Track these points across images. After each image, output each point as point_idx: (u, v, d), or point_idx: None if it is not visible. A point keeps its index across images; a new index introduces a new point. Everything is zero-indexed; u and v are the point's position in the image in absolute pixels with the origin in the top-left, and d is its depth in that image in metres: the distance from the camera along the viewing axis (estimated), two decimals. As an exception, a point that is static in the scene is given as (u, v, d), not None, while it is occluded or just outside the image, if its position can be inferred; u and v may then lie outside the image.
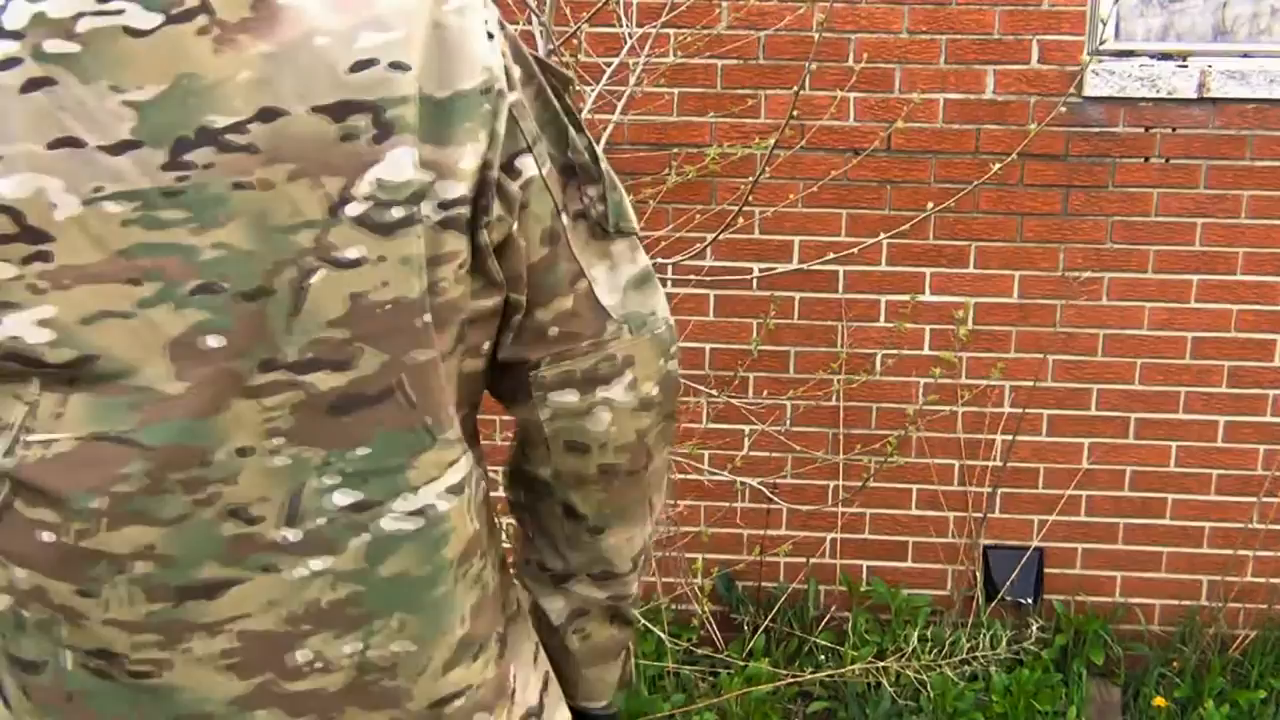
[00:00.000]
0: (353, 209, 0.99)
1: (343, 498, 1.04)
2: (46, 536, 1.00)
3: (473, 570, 1.14)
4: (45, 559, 1.01)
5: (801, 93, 2.90)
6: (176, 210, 0.96)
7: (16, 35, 0.94)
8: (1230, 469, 3.56)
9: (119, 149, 0.95)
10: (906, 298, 3.49)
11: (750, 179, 3.03)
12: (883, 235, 3.23)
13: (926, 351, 3.54)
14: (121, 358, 0.97)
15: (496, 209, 1.06)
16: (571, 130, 1.14)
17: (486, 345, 1.13)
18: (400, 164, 1.00)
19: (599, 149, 1.17)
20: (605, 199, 1.15)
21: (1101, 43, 3.14)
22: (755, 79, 3.43)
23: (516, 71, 1.10)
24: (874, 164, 3.44)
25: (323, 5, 0.99)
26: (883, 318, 3.54)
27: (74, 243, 0.95)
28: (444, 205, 1.02)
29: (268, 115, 0.96)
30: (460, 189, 1.03)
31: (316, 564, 1.05)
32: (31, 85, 0.94)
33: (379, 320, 1.01)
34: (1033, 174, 3.45)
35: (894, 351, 3.54)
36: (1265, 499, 3.56)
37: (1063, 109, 3.35)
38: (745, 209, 3.07)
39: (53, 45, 0.94)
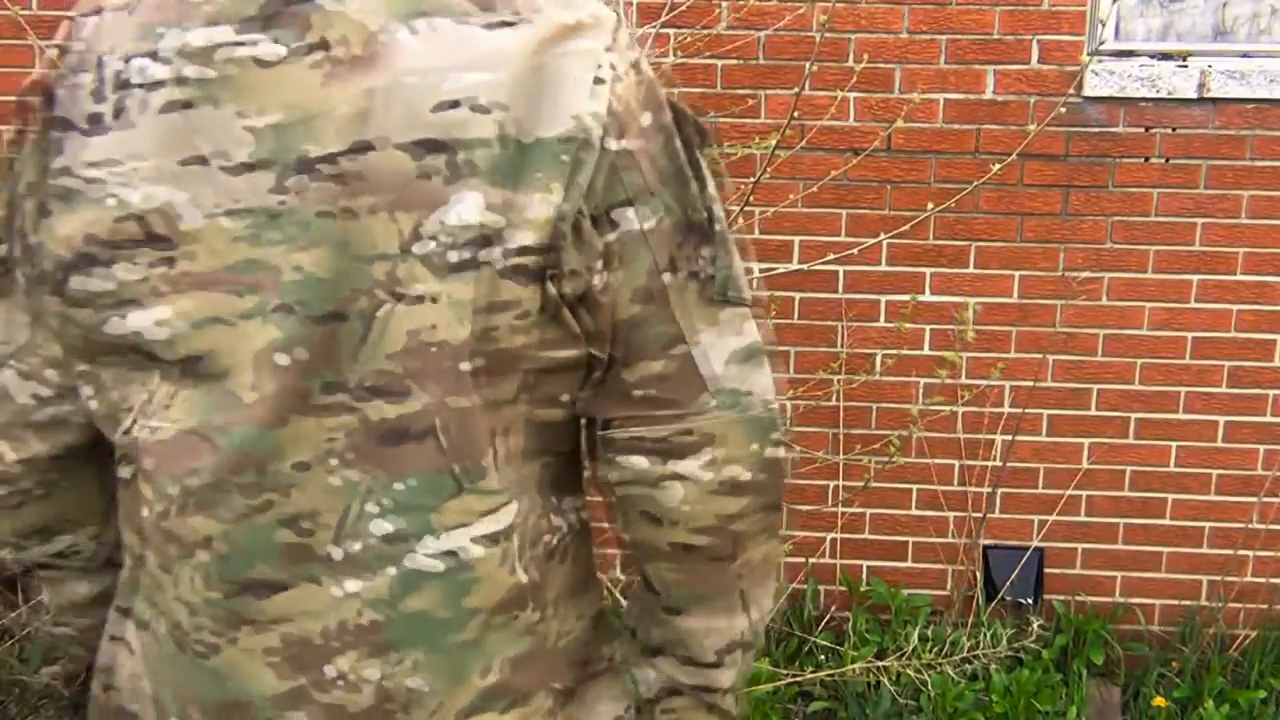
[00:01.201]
0: (420, 247, 1.01)
1: (381, 527, 1.07)
2: (145, 511, 1.10)
3: (520, 621, 1.13)
4: (145, 532, 1.11)
5: (801, 93, 2.90)
6: (275, 231, 1.02)
7: (166, 61, 1.04)
8: (1230, 469, 3.56)
9: (238, 170, 1.02)
10: (906, 298, 3.49)
11: (750, 179, 3.03)
12: (883, 235, 3.23)
13: (926, 351, 3.54)
14: (221, 362, 1.04)
15: (572, 261, 1.04)
16: (695, 186, 1.09)
17: (566, 396, 1.10)
18: (465, 207, 1.01)
19: (720, 210, 1.11)
20: (715, 262, 1.10)
21: (1101, 43, 3.14)
22: (755, 79, 3.43)
23: (642, 119, 1.07)
24: (874, 164, 3.44)
25: (426, 45, 1.02)
26: (883, 318, 3.54)
27: (192, 252, 1.03)
28: (510, 253, 1.02)
29: (359, 148, 1.01)
30: (528, 238, 1.02)
31: (351, 585, 1.08)
32: (170, 107, 1.03)
33: (428, 360, 1.03)
34: (1033, 174, 3.45)
35: (894, 351, 3.54)
36: (1265, 499, 3.56)
37: (1063, 109, 3.35)
38: (745, 209, 3.07)
39: (193, 71, 1.03)
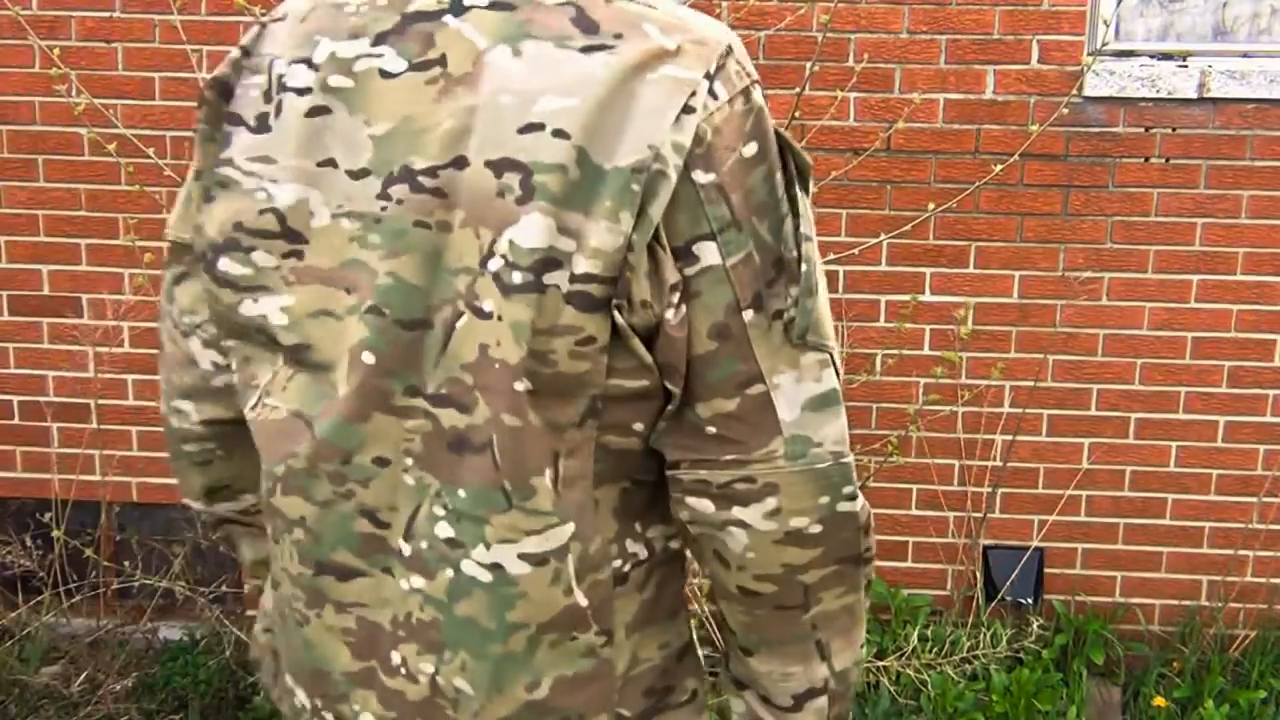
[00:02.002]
0: (493, 264, 1.03)
1: (444, 529, 1.11)
2: (264, 484, 1.20)
3: (579, 643, 1.13)
4: (263, 505, 1.21)
5: (802, 93, 2.90)
6: (376, 235, 1.08)
7: (315, 68, 1.11)
8: (1230, 469, 3.56)
9: (358, 175, 1.09)
10: (906, 298, 3.49)
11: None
12: (883, 235, 3.23)
13: (926, 351, 3.54)
14: (324, 353, 1.12)
15: (642, 293, 1.04)
16: (790, 223, 1.07)
17: (640, 426, 1.10)
18: (532, 230, 1.02)
19: (812, 251, 1.09)
20: (800, 303, 1.07)
21: (1102, 43, 3.14)
22: (755, 79, 3.43)
23: (743, 149, 1.05)
24: (874, 164, 3.44)
25: (525, 67, 1.04)
26: (883, 318, 3.54)
27: (318, 247, 1.10)
28: (576, 279, 1.02)
29: (458, 163, 1.04)
30: (594, 266, 1.02)
31: (416, 581, 1.13)
32: (314, 111, 1.10)
33: (491, 376, 1.06)
34: (1033, 174, 3.45)
35: (894, 351, 3.54)
36: (1265, 499, 3.56)
37: (1063, 109, 3.35)
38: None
39: (335, 80, 1.10)
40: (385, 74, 1.08)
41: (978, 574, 3.62)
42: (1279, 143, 3.40)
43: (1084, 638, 3.51)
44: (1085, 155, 3.44)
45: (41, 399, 3.73)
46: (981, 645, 3.33)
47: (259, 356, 1.16)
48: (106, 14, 3.53)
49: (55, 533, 3.47)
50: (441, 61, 1.07)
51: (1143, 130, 3.41)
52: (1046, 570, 3.64)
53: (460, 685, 1.14)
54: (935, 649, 3.33)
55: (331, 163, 1.09)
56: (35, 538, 3.60)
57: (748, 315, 1.06)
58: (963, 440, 3.58)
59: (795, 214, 1.08)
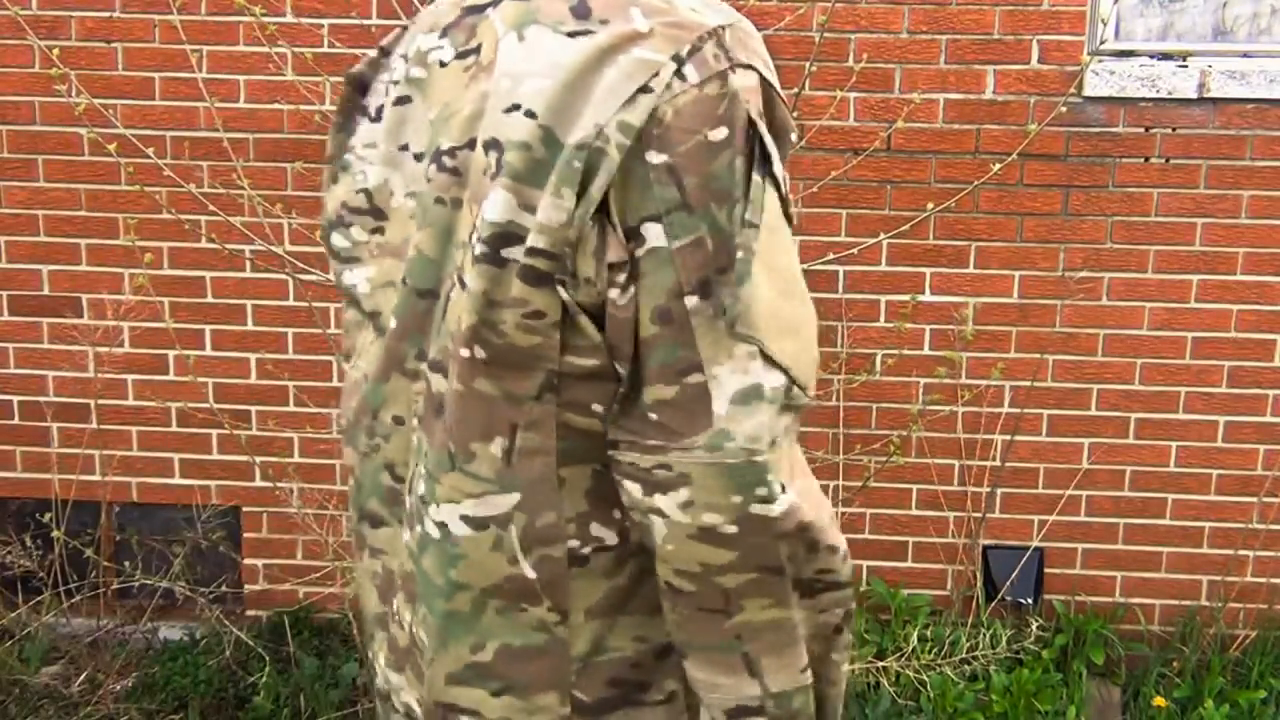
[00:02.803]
0: (474, 237, 1.09)
1: (419, 486, 1.18)
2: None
3: (528, 615, 1.13)
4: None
5: (801, 93, 2.90)
6: (420, 213, 1.16)
7: (405, 59, 1.22)
8: (1230, 469, 3.56)
9: (418, 158, 1.18)
10: (906, 298, 3.49)
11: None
12: (883, 235, 3.23)
13: (926, 351, 3.54)
14: (385, 320, 1.21)
15: (585, 270, 1.04)
16: (740, 209, 1.04)
17: (599, 407, 1.09)
18: (496, 204, 1.06)
19: (754, 239, 1.05)
20: (730, 292, 1.04)
21: (1101, 43, 3.14)
22: (755, 79, 3.42)
23: (706, 132, 1.03)
24: (874, 164, 3.44)
25: (523, 51, 1.09)
26: (883, 318, 3.54)
27: (393, 225, 1.21)
28: (527, 253, 1.05)
29: (470, 144, 1.11)
30: (541, 240, 1.04)
31: (406, 534, 1.21)
32: (400, 100, 1.21)
33: (455, 342, 1.11)
34: (1033, 174, 3.45)
35: (894, 351, 3.54)
36: (1265, 499, 3.56)
37: (1063, 109, 3.35)
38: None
39: (415, 71, 1.20)
40: (441, 64, 1.17)
41: (978, 574, 3.62)
42: (1279, 143, 3.39)
43: (1084, 638, 3.51)
44: (1085, 155, 3.43)
45: (41, 399, 3.73)
46: (981, 645, 3.33)
47: (357, 322, 1.28)
48: (106, 14, 3.53)
49: (55, 533, 3.47)
50: (476, 50, 1.14)
51: (1143, 130, 3.41)
52: (1046, 570, 3.64)
53: (422, 636, 1.19)
54: (935, 649, 3.33)
55: (404, 148, 1.19)
56: (35, 538, 3.60)
57: (690, 301, 1.04)
58: (963, 440, 3.58)
59: (746, 198, 1.05)
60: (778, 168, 1.07)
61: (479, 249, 1.06)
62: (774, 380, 1.05)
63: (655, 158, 1.03)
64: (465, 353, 1.09)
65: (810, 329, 1.09)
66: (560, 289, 1.05)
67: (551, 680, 1.15)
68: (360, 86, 1.27)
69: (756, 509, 1.05)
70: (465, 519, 1.13)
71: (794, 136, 1.12)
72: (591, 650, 1.15)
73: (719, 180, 1.04)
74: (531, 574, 1.12)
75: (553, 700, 1.15)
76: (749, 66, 1.07)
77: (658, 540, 1.08)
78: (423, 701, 1.21)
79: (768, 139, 1.06)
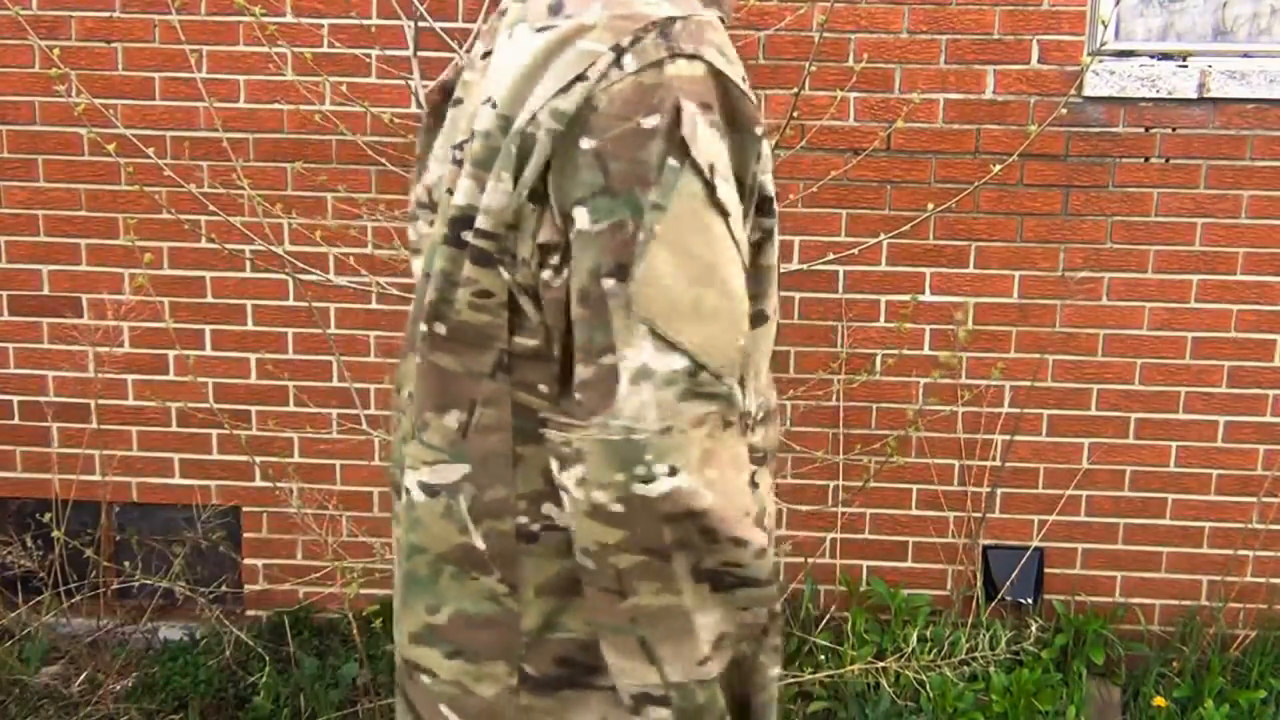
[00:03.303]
0: (444, 221, 1.19)
1: (401, 454, 1.26)
2: None
3: (480, 585, 1.16)
4: None
5: (801, 93, 2.90)
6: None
7: (461, 66, 1.29)
8: (1230, 469, 3.56)
9: (452, 154, 1.24)
10: (906, 298, 3.49)
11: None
12: (883, 235, 3.22)
13: (926, 351, 3.54)
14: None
15: (523, 251, 1.09)
16: (655, 194, 1.05)
17: (545, 388, 1.12)
18: (460, 190, 1.15)
19: (658, 221, 1.06)
20: (630, 272, 1.05)
21: (1102, 43, 3.14)
22: (755, 79, 3.43)
23: (637, 120, 1.05)
24: (874, 164, 3.44)
25: (508, 49, 1.14)
26: (883, 318, 3.54)
27: (437, 218, 1.23)
28: (475, 234, 1.13)
29: (471, 137, 1.16)
30: (486, 223, 1.12)
31: (399, 504, 1.28)
32: (454, 102, 1.27)
33: (422, 318, 1.21)
34: (1033, 174, 3.45)
35: (894, 351, 3.54)
36: (1265, 499, 3.56)
37: (1063, 110, 3.35)
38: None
39: (468, 75, 1.26)
40: (472, 66, 1.26)
41: (977, 574, 3.62)
42: (1279, 143, 3.39)
43: (1084, 638, 3.51)
44: (1085, 155, 3.43)
45: (41, 399, 3.73)
46: (981, 646, 3.33)
47: None
48: (106, 14, 3.53)
49: (55, 533, 3.47)
50: (491, 51, 1.22)
51: (1143, 130, 3.41)
52: (1046, 570, 3.64)
53: (399, 593, 1.26)
54: (935, 649, 3.33)
55: (457, 145, 1.24)
56: (35, 538, 3.60)
57: (607, 284, 1.06)
58: (963, 440, 3.58)
59: (659, 182, 1.05)
60: (701, 154, 1.06)
61: (444, 231, 1.16)
62: (670, 363, 1.04)
63: (586, 143, 1.06)
64: (425, 328, 1.18)
65: (730, 318, 1.07)
66: (502, 269, 1.11)
67: (500, 650, 1.17)
68: (447, 91, 1.35)
69: (638, 488, 1.04)
70: (421, 485, 1.19)
71: (759, 130, 1.12)
72: (542, 627, 1.17)
73: (645, 166, 1.05)
74: (481, 545, 1.16)
75: (501, 670, 1.17)
76: (694, 56, 1.07)
77: (567, 517, 1.10)
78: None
79: (696, 126, 1.06)
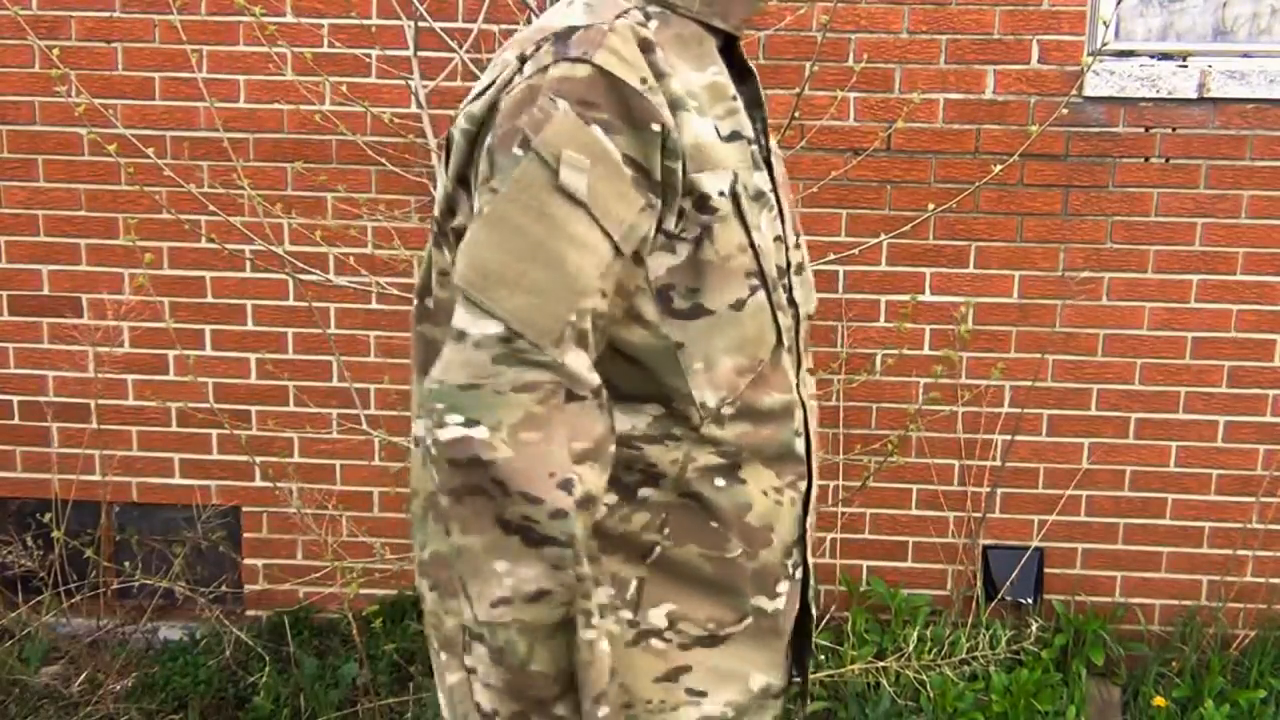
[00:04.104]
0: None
1: None
2: None
3: (439, 528, 1.29)
4: None
5: (802, 93, 2.90)
6: None
7: None
8: (1230, 469, 3.56)
9: None
10: (906, 298, 3.49)
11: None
12: (883, 235, 3.23)
13: (926, 351, 3.54)
14: None
15: (450, 237, 1.27)
16: (496, 178, 1.16)
17: None
18: (442, 180, 1.26)
19: (488, 203, 1.15)
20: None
21: (1103, 44, 3.14)
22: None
23: (513, 119, 1.17)
24: (874, 164, 3.44)
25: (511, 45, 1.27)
26: (883, 318, 3.54)
27: None
28: (432, 220, 1.28)
29: None
30: (436, 209, 1.28)
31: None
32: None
33: (416, 293, 1.36)
34: (1033, 174, 3.45)
35: (894, 351, 3.54)
36: (1265, 499, 3.56)
37: (1064, 110, 3.35)
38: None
39: None
40: None
41: (977, 574, 3.62)
42: (1279, 143, 3.40)
43: (1084, 638, 3.51)
44: (1085, 155, 3.43)
45: (41, 399, 3.73)
46: (981, 645, 3.33)
47: None
48: (106, 14, 3.53)
49: (55, 533, 3.47)
50: None
51: (1143, 130, 3.41)
52: (1046, 570, 3.64)
53: None
54: (935, 649, 3.33)
55: None
56: (35, 538, 3.60)
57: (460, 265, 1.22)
58: (963, 440, 3.58)
59: (494, 165, 1.16)
60: (545, 143, 1.14)
61: (438, 215, 1.29)
62: (484, 328, 1.13)
63: (488, 141, 1.19)
64: (417, 302, 1.34)
65: (560, 295, 1.13)
66: (445, 250, 1.27)
67: (458, 590, 1.23)
68: None
69: (433, 434, 1.13)
70: (412, 435, 1.31)
71: (656, 127, 1.17)
72: None
73: (500, 159, 1.18)
74: (440, 497, 1.21)
75: (463, 604, 1.21)
76: (580, 60, 1.16)
77: None
78: None
79: (550, 118, 1.14)
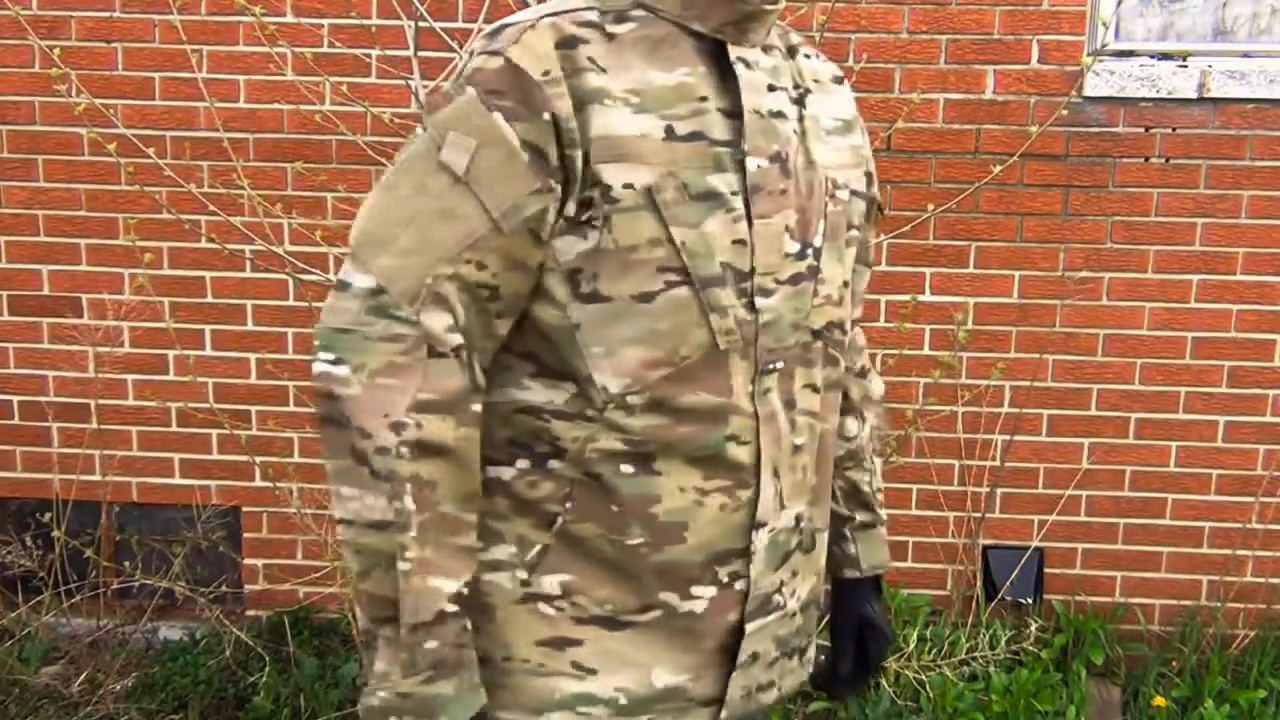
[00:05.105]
0: None
1: None
2: None
3: None
4: None
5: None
6: None
7: None
8: (1230, 469, 3.56)
9: None
10: (906, 298, 3.49)
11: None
12: (883, 235, 3.22)
13: (926, 351, 3.54)
14: None
15: None
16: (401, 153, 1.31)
17: None
18: None
19: (389, 174, 1.28)
20: None
21: (1102, 43, 3.14)
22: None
23: (442, 104, 1.31)
24: (874, 164, 3.43)
25: None
26: (883, 318, 3.54)
27: None
28: None
29: None
30: None
31: None
32: None
33: None
34: (1033, 174, 3.45)
35: (894, 351, 3.54)
36: (1265, 499, 3.56)
37: (1064, 110, 3.35)
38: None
39: None
40: None
41: (977, 574, 3.62)
42: (1279, 143, 3.40)
43: (1083, 638, 3.51)
44: (1085, 155, 3.44)
45: (41, 399, 3.73)
46: (981, 646, 3.33)
47: None
48: (106, 14, 3.53)
49: (55, 533, 3.47)
50: None
51: (1143, 130, 3.41)
52: (1046, 570, 3.64)
53: None
54: (935, 649, 3.33)
55: None
56: (35, 538, 3.60)
57: None
58: (963, 440, 3.58)
59: (401, 157, 1.28)
60: (437, 122, 1.26)
61: None
62: (360, 281, 1.25)
63: None
64: None
65: (425, 261, 1.24)
66: None
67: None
68: None
69: (312, 368, 1.27)
70: None
71: (547, 116, 1.24)
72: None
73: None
74: None
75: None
76: (495, 53, 1.25)
77: None
78: None
79: (450, 101, 1.26)
